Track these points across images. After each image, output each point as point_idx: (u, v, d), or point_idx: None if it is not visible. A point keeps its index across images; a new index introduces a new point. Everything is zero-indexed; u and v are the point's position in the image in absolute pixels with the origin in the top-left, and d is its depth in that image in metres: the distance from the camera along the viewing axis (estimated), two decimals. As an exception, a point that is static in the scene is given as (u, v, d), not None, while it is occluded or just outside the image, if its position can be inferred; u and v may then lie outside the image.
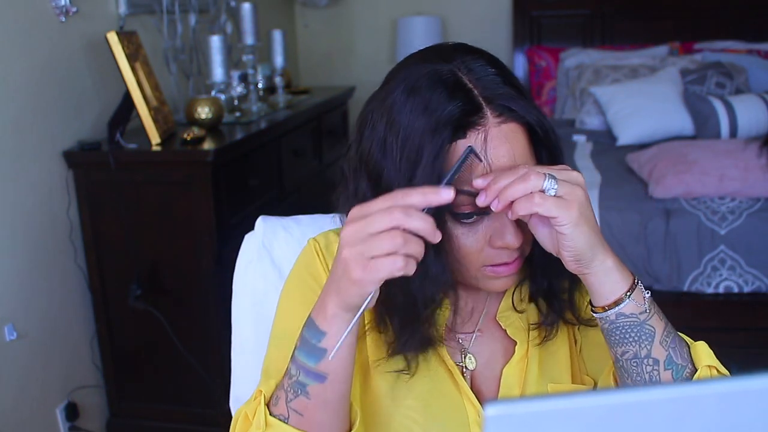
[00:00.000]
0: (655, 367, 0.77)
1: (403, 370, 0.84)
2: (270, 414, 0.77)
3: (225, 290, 1.30)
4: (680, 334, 0.82)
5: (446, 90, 0.75)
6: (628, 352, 0.77)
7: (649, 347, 0.77)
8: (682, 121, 3.25)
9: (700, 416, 0.43)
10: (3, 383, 1.95)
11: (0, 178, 1.93)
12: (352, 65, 4.36)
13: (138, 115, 2.17)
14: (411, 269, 0.67)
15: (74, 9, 2.17)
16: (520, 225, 0.77)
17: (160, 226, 2.17)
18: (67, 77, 2.20)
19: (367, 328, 0.86)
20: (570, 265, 0.75)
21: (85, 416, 2.26)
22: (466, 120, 0.74)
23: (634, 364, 0.78)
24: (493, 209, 0.72)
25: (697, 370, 0.78)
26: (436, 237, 0.67)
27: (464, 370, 0.89)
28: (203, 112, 2.39)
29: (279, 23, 3.86)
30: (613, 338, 0.78)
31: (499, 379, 0.89)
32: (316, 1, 4.19)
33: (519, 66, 4.11)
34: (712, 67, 3.50)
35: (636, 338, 0.77)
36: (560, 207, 0.70)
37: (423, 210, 0.67)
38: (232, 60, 2.90)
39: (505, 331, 0.90)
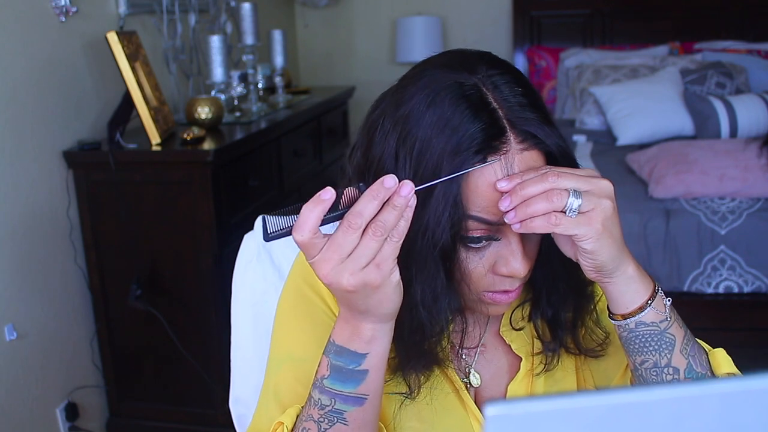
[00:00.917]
0: (676, 376, 0.75)
1: (405, 394, 0.82)
2: None
3: (225, 290, 1.30)
4: (698, 340, 0.80)
5: (470, 108, 0.71)
6: (647, 361, 0.76)
7: (669, 356, 0.75)
8: (682, 121, 3.25)
9: (701, 416, 0.43)
10: (3, 383, 1.95)
11: (0, 178, 1.93)
12: (352, 65, 4.35)
13: (138, 115, 2.17)
14: (397, 248, 0.67)
15: (74, 9, 2.17)
16: (527, 249, 0.75)
17: (160, 226, 2.17)
18: (67, 77, 2.19)
19: None
20: (590, 274, 0.73)
21: (85, 416, 2.26)
22: (488, 144, 0.70)
23: (654, 374, 0.76)
24: (507, 221, 0.69)
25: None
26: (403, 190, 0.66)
27: (468, 386, 0.87)
28: (203, 112, 2.39)
29: (279, 23, 3.86)
30: (632, 347, 0.76)
31: (504, 396, 0.87)
32: (316, 1, 4.19)
33: (519, 66, 4.09)
34: (712, 67, 3.50)
35: (656, 347, 0.75)
36: (580, 224, 0.68)
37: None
38: (232, 60, 2.91)
39: (509, 345, 0.88)
